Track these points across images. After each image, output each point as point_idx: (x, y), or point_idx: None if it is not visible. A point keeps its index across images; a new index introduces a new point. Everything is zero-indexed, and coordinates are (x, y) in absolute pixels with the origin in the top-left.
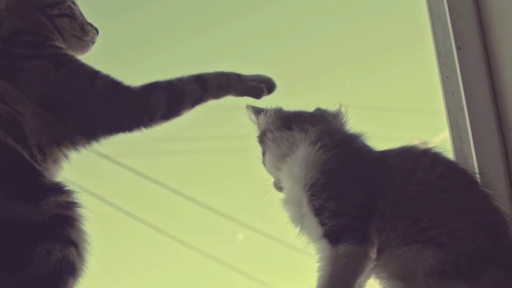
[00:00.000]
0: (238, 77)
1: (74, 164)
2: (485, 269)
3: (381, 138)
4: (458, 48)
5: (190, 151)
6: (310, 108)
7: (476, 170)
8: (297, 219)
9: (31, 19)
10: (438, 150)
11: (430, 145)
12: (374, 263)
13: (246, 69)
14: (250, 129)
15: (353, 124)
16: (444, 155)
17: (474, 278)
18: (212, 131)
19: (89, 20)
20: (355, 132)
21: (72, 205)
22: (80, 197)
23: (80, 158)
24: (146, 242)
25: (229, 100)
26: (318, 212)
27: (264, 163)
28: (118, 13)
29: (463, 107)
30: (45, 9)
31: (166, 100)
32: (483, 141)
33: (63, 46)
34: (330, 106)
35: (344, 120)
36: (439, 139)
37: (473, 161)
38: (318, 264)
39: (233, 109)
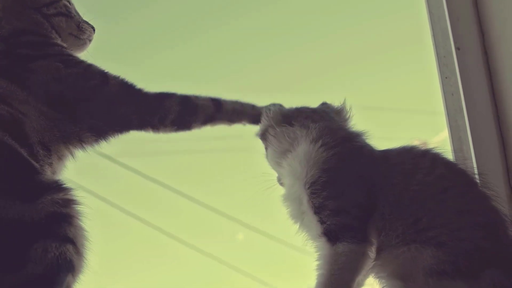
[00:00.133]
0: (252, 106)
1: (75, 164)
2: (484, 269)
3: (380, 138)
4: (457, 49)
5: (190, 151)
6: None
7: (475, 170)
8: (297, 216)
9: (27, 19)
10: (438, 150)
11: (430, 145)
12: (374, 262)
13: (245, 68)
14: (251, 129)
15: (353, 124)
16: (444, 156)
17: (474, 278)
18: (212, 131)
19: (85, 18)
20: (357, 130)
21: (69, 202)
22: (79, 195)
23: (81, 158)
24: (147, 241)
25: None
26: (317, 210)
27: (267, 158)
28: (118, 13)
29: (462, 108)
30: (41, 9)
31: (178, 107)
32: (482, 141)
33: (64, 45)
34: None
35: (347, 116)
36: (439, 139)
37: (472, 161)
38: (317, 262)
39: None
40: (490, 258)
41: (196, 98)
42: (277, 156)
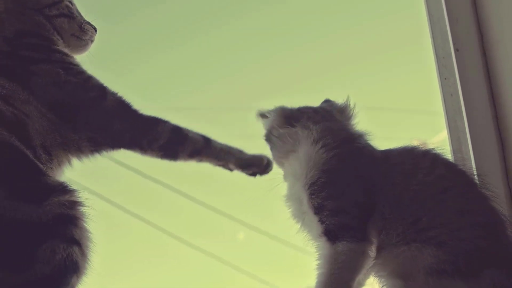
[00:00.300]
0: (240, 151)
1: (76, 164)
2: (484, 269)
3: (380, 138)
4: (456, 50)
5: None
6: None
7: (474, 171)
8: (298, 216)
9: (30, 20)
10: (438, 151)
11: (430, 146)
12: (374, 261)
13: (245, 69)
14: (251, 130)
15: (357, 122)
16: (445, 156)
17: (473, 277)
18: (213, 132)
19: (87, 18)
20: (358, 131)
21: (75, 204)
22: (84, 196)
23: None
24: (148, 241)
25: (231, 101)
26: (317, 210)
27: (273, 158)
28: (118, 14)
29: (461, 108)
30: (43, 10)
31: (169, 134)
32: (481, 142)
33: (66, 50)
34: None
35: (351, 114)
36: (438, 139)
37: (471, 162)
38: (318, 262)
39: (235, 110)
40: (490, 258)
41: (188, 130)
42: (281, 157)
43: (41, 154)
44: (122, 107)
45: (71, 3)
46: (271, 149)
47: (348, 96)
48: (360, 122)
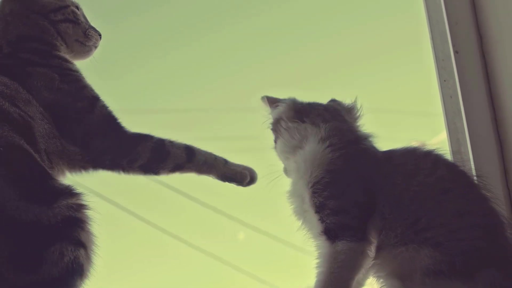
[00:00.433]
0: (224, 162)
1: None
2: (480, 269)
3: (380, 138)
4: (455, 52)
5: None
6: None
7: (473, 172)
8: (300, 213)
9: (34, 24)
10: (440, 152)
11: (432, 147)
12: (373, 261)
13: (244, 70)
14: (253, 130)
15: (362, 123)
16: (446, 157)
17: (470, 277)
18: (214, 132)
19: (92, 22)
20: (364, 133)
21: (81, 207)
22: (89, 199)
23: None
24: (148, 241)
25: (232, 102)
26: (318, 209)
27: (275, 149)
28: (118, 14)
29: (460, 110)
30: (48, 14)
31: (149, 153)
32: (480, 143)
33: (67, 56)
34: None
35: (358, 115)
36: (437, 140)
37: (470, 163)
38: (317, 260)
39: (237, 110)
40: (487, 258)
41: (171, 144)
42: (286, 151)
43: (44, 160)
44: (107, 122)
45: (77, 8)
46: (276, 139)
47: (356, 97)
48: (362, 123)
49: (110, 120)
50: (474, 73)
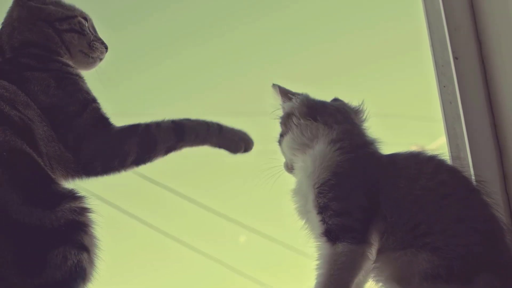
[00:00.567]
0: (219, 130)
1: None
2: (478, 273)
3: (380, 143)
4: (455, 58)
5: (193, 154)
6: None
7: (473, 177)
8: (303, 213)
9: (40, 31)
10: (444, 157)
11: (434, 151)
12: (373, 265)
13: (244, 72)
14: (253, 130)
15: (368, 126)
16: (449, 162)
17: (468, 282)
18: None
19: (99, 33)
20: (371, 138)
21: (84, 211)
22: (92, 203)
23: None
24: (149, 244)
25: (234, 103)
26: (321, 210)
27: (280, 143)
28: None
29: (460, 116)
30: (54, 23)
31: (138, 148)
32: (479, 149)
33: (70, 62)
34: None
35: (364, 118)
36: (436, 145)
37: (469, 168)
38: (317, 262)
39: (238, 114)
40: (485, 263)
41: (158, 129)
42: (295, 148)
43: (47, 163)
44: (94, 126)
45: (85, 19)
46: (284, 134)
47: (362, 101)
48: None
49: (97, 123)
50: (473, 79)
